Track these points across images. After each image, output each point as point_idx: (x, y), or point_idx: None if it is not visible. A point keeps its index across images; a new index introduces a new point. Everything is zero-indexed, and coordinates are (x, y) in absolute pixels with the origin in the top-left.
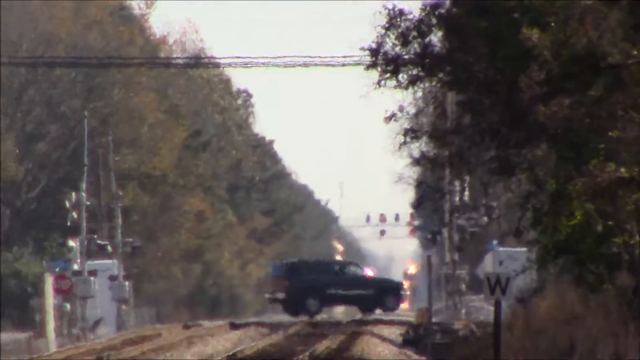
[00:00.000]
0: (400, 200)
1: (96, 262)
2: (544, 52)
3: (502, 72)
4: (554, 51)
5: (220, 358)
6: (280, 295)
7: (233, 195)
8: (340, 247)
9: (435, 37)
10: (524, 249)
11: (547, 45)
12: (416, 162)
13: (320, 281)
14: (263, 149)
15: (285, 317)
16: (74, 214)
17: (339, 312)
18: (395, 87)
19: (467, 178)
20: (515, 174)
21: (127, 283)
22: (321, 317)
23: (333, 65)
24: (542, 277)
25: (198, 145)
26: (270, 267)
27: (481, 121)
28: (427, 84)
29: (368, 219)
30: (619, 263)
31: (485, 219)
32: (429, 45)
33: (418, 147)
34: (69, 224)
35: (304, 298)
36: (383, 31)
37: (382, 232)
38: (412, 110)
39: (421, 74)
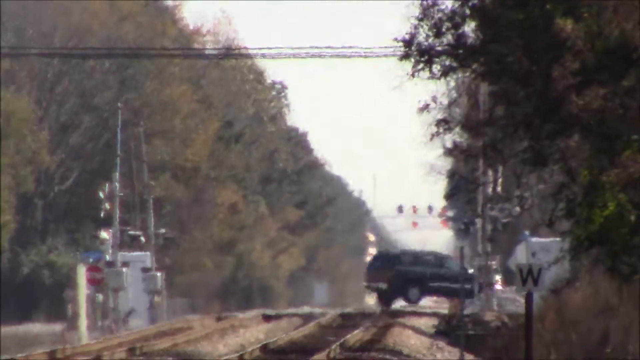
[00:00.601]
0: (433, 191)
1: (129, 253)
2: (577, 42)
3: (536, 63)
4: (587, 42)
5: (252, 348)
6: (382, 285)
7: (265, 187)
8: (373, 239)
9: (469, 28)
10: (557, 239)
11: (581, 36)
12: (449, 152)
13: (425, 273)
14: (296, 141)
15: (315, 309)
16: (107, 205)
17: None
18: (428, 78)
19: (500, 169)
20: (548, 164)
21: (159, 274)
22: (354, 307)
23: (367, 57)
24: (575, 268)
25: (231, 136)
26: (372, 257)
27: (515, 112)
28: (460, 75)
29: (401, 210)
30: None
31: (518, 209)
32: (462, 36)
33: (451, 137)
34: (102, 215)
35: (406, 288)
36: (416, 22)
37: (415, 224)
38: (445, 101)
39: (454, 64)
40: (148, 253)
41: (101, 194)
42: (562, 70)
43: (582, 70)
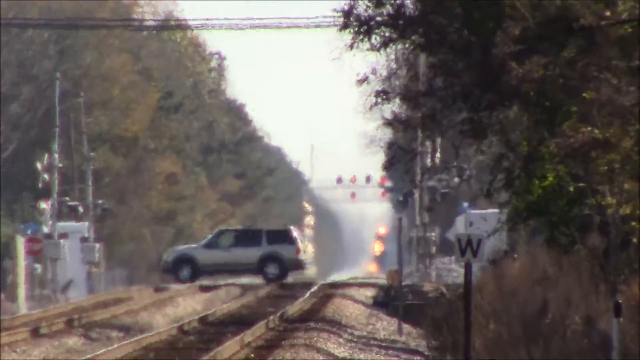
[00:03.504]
0: (372, 162)
1: (67, 224)
2: (520, 9)
3: (476, 34)
4: (529, 10)
5: (190, 319)
6: None
7: (205, 158)
8: (310, 209)
9: None
10: (496, 210)
11: (525, 4)
12: (388, 123)
13: None
14: (235, 112)
15: (256, 280)
16: (46, 176)
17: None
18: (368, 49)
19: (439, 140)
20: (487, 136)
21: (97, 245)
22: (294, 277)
23: (306, 27)
24: (513, 239)
25: (170, 107)
26: None
27: (454, 83)
28: (400, 46)
29: (339, 180)
30: (591, 225)
31: (457, 180)
32: (402, 7)
33: (390, 109)
34: (40, 186)
35: None
36: None
37: (353, 194)
38: (385, 73)
39: (394, 36)
40: (86, 224)
41: (39, 166)
42: (504, 36)
43: (523, 38)
